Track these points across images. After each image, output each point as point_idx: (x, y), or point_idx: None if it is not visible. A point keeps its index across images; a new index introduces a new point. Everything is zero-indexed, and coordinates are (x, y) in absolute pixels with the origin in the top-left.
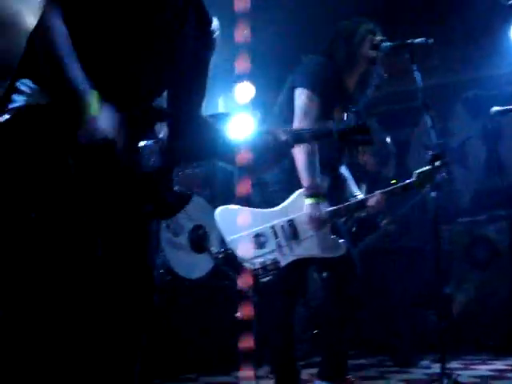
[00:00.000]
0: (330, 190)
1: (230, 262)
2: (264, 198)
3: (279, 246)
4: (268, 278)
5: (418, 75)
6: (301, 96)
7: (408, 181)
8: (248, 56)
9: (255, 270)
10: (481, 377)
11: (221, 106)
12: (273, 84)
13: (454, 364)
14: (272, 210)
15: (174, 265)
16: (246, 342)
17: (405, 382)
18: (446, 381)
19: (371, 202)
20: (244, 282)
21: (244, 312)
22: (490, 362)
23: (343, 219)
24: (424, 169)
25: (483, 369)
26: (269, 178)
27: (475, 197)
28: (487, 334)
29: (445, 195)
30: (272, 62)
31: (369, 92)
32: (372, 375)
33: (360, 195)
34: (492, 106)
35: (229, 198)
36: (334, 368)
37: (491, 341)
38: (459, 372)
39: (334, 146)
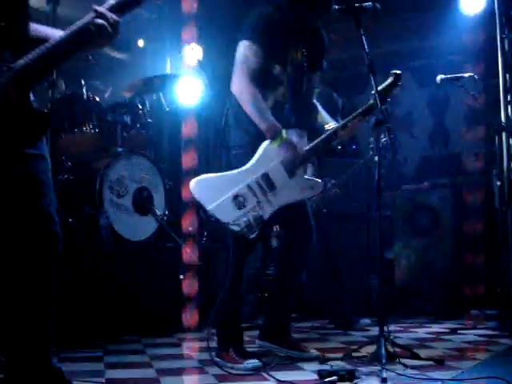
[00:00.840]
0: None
1: (173, 225)
2: (228, 162)
3: (258, 202)
4: (255, 234)
5: (364, 40)
6: (239, 48)
7: (368, 103)
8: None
9: (241, 229)
10: (419, 339)
11: (169, 67)
12: (221, 46)
13: (393, 327)
14: (244, 168)
15: (117, 227)
16: (191, 306)
17: (344, 344)
18: (383, 341)
19: (343, 130)
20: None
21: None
22: (428, 325)
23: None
24: (379, 87)
25: (421, 332)
26: (232, 142)
27: (420, 165)
28: (427, 299)
29: (389, 162)
30: (220, 23)
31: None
32: (312, 337)
33: (331, 125)
34: (438, 75)
35: (174, 158)
36: (276, 329)
37: (431, 306)
38: (398, 335)
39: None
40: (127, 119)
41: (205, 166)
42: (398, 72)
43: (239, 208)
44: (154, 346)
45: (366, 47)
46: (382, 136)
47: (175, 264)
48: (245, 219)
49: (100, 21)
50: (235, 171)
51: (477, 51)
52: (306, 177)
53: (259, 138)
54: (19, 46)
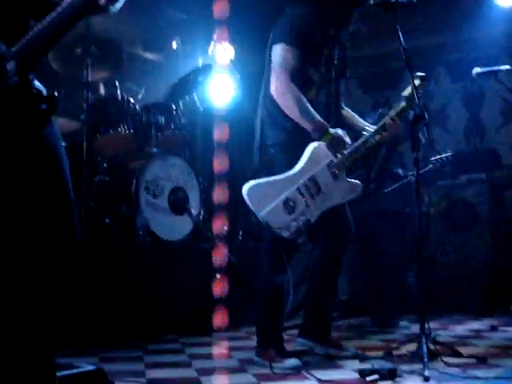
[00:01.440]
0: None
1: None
2: (265, 160)
3: (307, 205)
4: (303, 239)
5: (400, 34)
6: (276, 51)
7: (401, 104)
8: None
9: (291, 234)
10: (459, 337)
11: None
12: (252, 46)
13: (432, 324)
14: (292, 172)
15: (153, 226)
16: (220, 307)
17: (384, 342)
18: (424, 339)
19: (386, 129)
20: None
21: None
22: (468, 322)
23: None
24: (408, 90)
25: (461, 329)
26: (268, 140)
27: (455, 160)
28: (466, 296)
29: (425, 158)
30: (252, 23)
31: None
32: (351, 335)
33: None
34: (473, 69)
35: (208, 160)
36: (316, 327)
37: (470, 303)
38: (438, 332)
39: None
40: (161, 120)
41: (238, 166)
42: (423, 75)
43: (289, 213)
44: (192, 346)
45: (402, 41)
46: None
47: (209, 264)
48: (295, 223)
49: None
50: (284, 175)
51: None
52: (347, 179)
53: (296, 134)
54: (16, 31)
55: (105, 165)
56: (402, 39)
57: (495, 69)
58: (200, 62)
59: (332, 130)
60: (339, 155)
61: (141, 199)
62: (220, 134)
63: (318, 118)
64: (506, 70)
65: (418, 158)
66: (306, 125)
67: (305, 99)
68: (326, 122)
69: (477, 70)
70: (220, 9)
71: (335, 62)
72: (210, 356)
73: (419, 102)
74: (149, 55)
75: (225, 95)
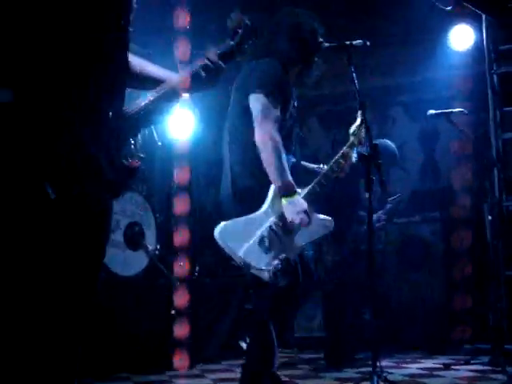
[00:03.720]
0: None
1: (164, 260)
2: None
3: (282, 243)
4: (285, 282)
5: (354, 77)
6: (257, 100)
7: (349, 142)
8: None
9: (270, 278)
10: (411, 375)
11: None
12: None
13: (386, 363)
14: (262, 211)
15: (108, 261)
16: (182, 349)
17: (338, 381)
18: (376, 379)
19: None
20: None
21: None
22: (420, 360)
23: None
24: (354, 126)
25: (414, 367)
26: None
27: (411, 198)
28: (419, 335)
29: (380, 196)
30: None
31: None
32: (305, 374)
33: (322, 166)
34: (429, 110)
35: (166, 195)
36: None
37: (424, 340)
38: (391, 370)
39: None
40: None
41: (198, 205)
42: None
43: (266, 252)
44: None
45: (356, 84)
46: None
47: (167, 300)
48: (274, 263)
49: (211, 65)
50: (253, 215)
51: (467, 86)
52: (317, 215)
53: (264, 180)
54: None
55: None
56: (356, 81)
57: (448, 111)
58: None
59: (297, 195)
60: (302, 192)
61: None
62: (180, 175)
63: (290, 177)
64: (459, 111)
65: (371, 198)
66: (276, 179)
67: (284, 155)
68: (294, 184)
69: (431, 111)
70: (182, 49)
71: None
72: None
73: (367, 142)
74: None
75: (184, 130)
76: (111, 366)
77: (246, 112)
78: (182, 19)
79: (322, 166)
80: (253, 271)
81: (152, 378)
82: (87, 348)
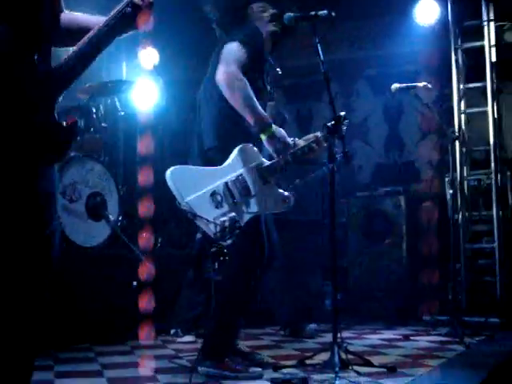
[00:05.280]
0: None
1: (126, 231)
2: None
3: (235, 204)
4: (230, 241)
5: (319, 48)
6: (231, 46)
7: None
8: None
9: (215, 232)
10: (372, 346)
11: (124, 71)
12: (177, 49)
13: (346, 334)
14: (222, 166)
15: (69, 232)
16: (145, 311)
17: (297, 351)
18: (336, 349)
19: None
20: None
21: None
22: (381, 331)
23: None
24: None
25: (374, 338)
26: (208, 145)
27: (375, 172)
28: (380, 306)
29: (345, 170)
30: (176, 28)
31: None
32: (266, 344)
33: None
34: (393, 84)
35: (130, 164)
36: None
37: (385, 311)
38: (351, 341)
39: None
40: (81, 123)
41: (161, 176)
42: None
43: (216, 207)
44: (106, 354)
45: (321, 55)
46: (336, 144)
47: (130, 272)
48: (222, 219)
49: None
50: (212, 168)
51: (431, 61)
52: (279, 189)
53: (236, 136)
54: (46, 45)
55: None
56: (320, 53)
57: (413, 85)
58: (124, 65)
59: (274, 127)
60: (269, 161)
61: (57, 204)
62: (144, 147)
63: (263, 112)
64: (423, 85)
65: (334, 169)
66: (249, 116)
67: (252, 92)
68: (269, 118)
69: (395, 85)
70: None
71: (270, 77)
72: (123, 365)
73: (334, 114)
74: None
75: (148, 101)
76: (72, 338)
77: None
78: None
79: (293, 139)
80: (198, 222)
81: (114, 348)
82: (48, 320)
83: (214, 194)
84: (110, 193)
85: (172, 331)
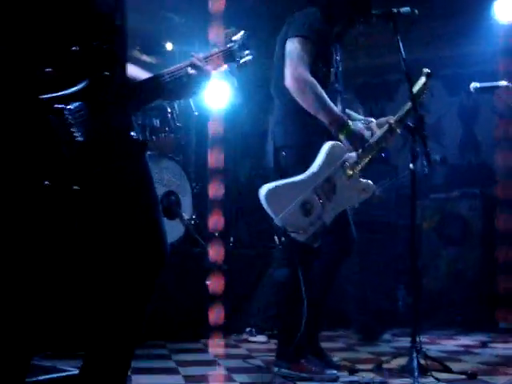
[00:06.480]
0: None
1: (200, 230)
2: (278, 164)
3: (323, 208)
4: (319, 243)
5: (401, 45)
6: (293, 44)
7: (405, 108)
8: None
9: (307, 238)
10: (449, 352)
11: None
12: (251, 48)
13: (422, 339)
14: (309, 172)
15: None
16: (216, 310)
17: (373, 355)
18: (415, 354)
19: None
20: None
21: (215, 281)
22: (457, 337)
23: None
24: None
25: (451, 344)
26: (279, 142)
27: (449, 173)
28: (456, 310)
29: (419, 171)
30: (250, 24)
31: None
32: (340, 347)
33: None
34: (469, 83)
35: (201, 161)
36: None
37: (460, 316)
38: (427, 346)
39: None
40: (156, 123)
41: (233, 167)
42: (429, 71)
43: (306, 215)
44: (179, 352)
45: (402, 53)
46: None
47: (201, 268)
48: (312, 227)
49: (193, 71)
50: (300, 177)
51: (510, 59)
52: (360, 179)
53: (313, 136)
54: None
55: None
56: (402, 51)
57: (493, 84)
58: None
59: (351, 124)
60: (354, 153)
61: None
62: (214, 129)
63: (337, 110)
64: (505, 85)
65: (415, 170)
66: (324, 117)
67: (323, 91)
68: (344, 116)
69: (475, 84)
70: (216, 7)
71: (337, 64)
72: (198, 363)
73: (417, 114)
74: (146, 57)
75: (221, 99)
76: (146, 334)
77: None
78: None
79: (370, 119)
80: (289, 233)
81: (187, 345)
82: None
83: (304, 203)
84: (184, 191)
85: (246, 330)
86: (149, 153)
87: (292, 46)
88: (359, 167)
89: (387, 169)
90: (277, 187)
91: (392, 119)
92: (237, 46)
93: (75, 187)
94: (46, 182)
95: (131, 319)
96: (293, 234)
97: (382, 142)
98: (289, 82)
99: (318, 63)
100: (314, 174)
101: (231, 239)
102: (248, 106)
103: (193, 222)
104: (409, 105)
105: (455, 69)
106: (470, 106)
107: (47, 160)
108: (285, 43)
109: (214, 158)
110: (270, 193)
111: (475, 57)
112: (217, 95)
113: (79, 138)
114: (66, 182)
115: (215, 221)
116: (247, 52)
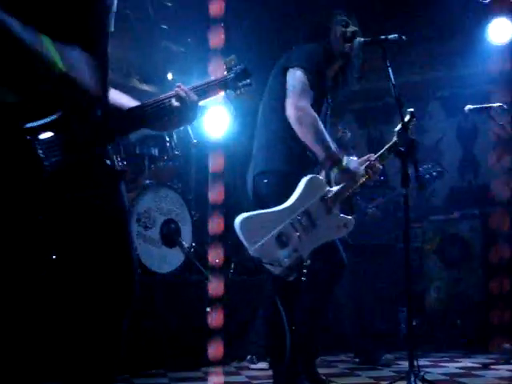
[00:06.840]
0: None
1: (200, 258)
2: (257, 192)
3: (300, 241)
4: (294, 276)
5: (390, 72)
6: (295, 75)
7: (393, 140)
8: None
9: (282, 271)
10: (450, 374)
11: None
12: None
13: (423, 361)
14: (287, 205)
15: (144, 259)
16: (217, 343)
17: (373, 379)
18: (413, 378)
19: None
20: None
21: (215, 314)
22: (458, 359)
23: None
24: (399, 126)
25: (452, 366)
26: (264, 167)
27: (449, 195)
28: (457, 332)
29: (418, 193)
30: (247, 57)
31: (350, 84)
32: (341, 372)
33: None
34: (467, 105)
35: (202, 192)
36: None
37: (461, 339)
38: (428, 369)
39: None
40: (155, 151)
41: (233, 198)
42: (412, 110)
43: (281, 247)
44: (180, 381)
45: (392, 79)
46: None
47: (201, 297)
48: (287, 261)
49: (177, 103)
50: (278, 208)
51: (505, 80)
52: (340, 215)
53: (299, 164)
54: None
55: None
56: (391, 76)
57: (487, 106)
58: None
59: (346, 160)
60: (334, 188)
61: (132, 231)
62: (215, 164)
63: (333, 147)
64: (498, 106)
65: (408, 194)
66: (319, 152)
67: (323, 127)
68: (338, 153)
69: (469, 106)
70: (216, 40)
71: (331, 99)
72: None
73: (407, 139)
74: (145, 87)
75: (220, 127)
76: (146, 363)
77: (282, 88)
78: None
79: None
80: (264, 264)
81: (188, 374)
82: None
83: (280, 235)
84: (183, 219)
85: (247, 357)
86: (147, 182)
87: (295, 77)
88: (338, 202)
89: (386, 191)
90: (253, 216)
91: (373, 157)
92: (234, 74)
93: (41, 217)
94: (11, 212)
95: (98, 360)
96: (267, 266)
97: (362, 179)
98: (291, 112)
99: (318, 96)
100: (292, 206)
101: (232, 266)
102: (246, 135)
103: (193, 250)
104: (392, 142)
105: (452, 90)
106: (469, 127)
107: (14, 189)
108: (284, 71)
109: (215, 193)
110: (245, 222)
111: (472, 78)
112: (216, 123)
113: (48, 168)
114: (33, 211)
115: (215, 254)
116: (245, 82)
